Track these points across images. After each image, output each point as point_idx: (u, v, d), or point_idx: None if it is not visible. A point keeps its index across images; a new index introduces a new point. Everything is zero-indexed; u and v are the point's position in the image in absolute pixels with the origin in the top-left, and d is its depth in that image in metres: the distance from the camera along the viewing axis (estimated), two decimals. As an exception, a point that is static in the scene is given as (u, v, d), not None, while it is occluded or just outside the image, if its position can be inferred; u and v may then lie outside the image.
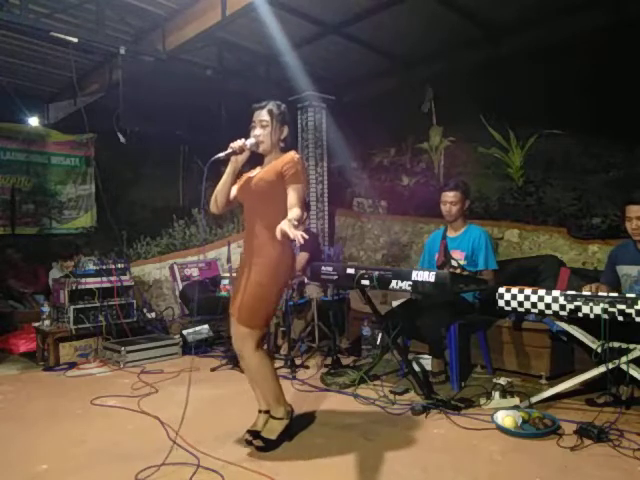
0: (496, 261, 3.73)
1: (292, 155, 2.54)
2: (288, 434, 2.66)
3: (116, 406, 3.33)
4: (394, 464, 2.42)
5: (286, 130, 2.62)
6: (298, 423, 2.83)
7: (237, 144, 2.52)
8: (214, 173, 2.66)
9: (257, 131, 2.57)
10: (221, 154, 2.50)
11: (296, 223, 2.25)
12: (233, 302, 2.61)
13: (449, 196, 3.76)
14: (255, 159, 2.69)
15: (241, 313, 2.52)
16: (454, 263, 3.63)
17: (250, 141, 2.55)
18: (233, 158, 2.57)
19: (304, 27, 5.35)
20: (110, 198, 6.77)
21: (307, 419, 2.97)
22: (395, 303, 4.04)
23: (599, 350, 2.82)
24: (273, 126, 2.56)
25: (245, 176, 2.67)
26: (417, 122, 6.61)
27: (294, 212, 2.35)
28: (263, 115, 2.56)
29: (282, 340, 4.48)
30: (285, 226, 2.16)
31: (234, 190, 2.66)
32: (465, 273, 3.33)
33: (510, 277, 4.02)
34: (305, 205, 2.60)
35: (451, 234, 3.84)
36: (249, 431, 2.64)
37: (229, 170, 2.59)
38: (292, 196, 2.44)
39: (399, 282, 3.03)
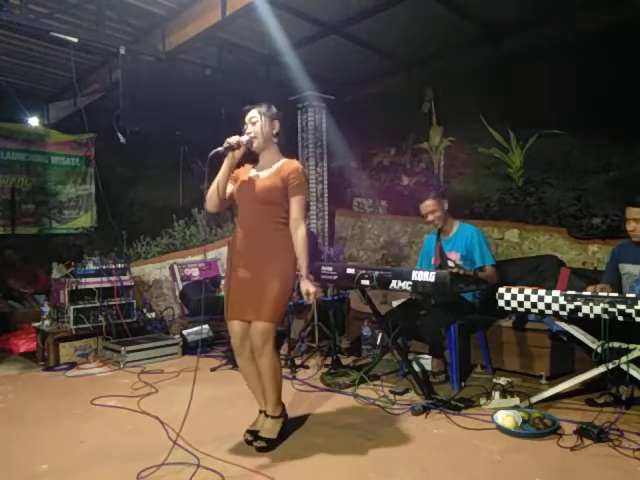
0: (492, 256, 3.71)
1: (297, 165, 2.66)
2: (284, 432, 2.67)
3: (116, 406, 3.33)
4: (394, 464, 2.42)
5: (277, 125, 2.69)
6: (298, 423, 2.84)
7: (234, 139, 2.58)
8: (214, 172, 2.67)
9: (249, 128, 2.65)
10: (220, 148, 2.56)
11: (310, 277, 2.65)
12: (243, 303, 2.58)
13: (426, 206, 3.72)
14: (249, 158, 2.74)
15: (265, 310, 2.52)
16: (450, 264, 3.64)
17: (245, 137, 2.63)
18: (230, 154, 2.61)
19: (304, 27, 5.35)
20: (110, 198, 6.76)
21: (307, 419, 2.97)
22: (395, 303, 4.05)
23: (599, 350, 2.83)
24: (263, 121, 2.64)
25: (240, 176, 2.70)
26: (417, 122, 6.60)
27: (299, 237, 2.59)
28: (252, 113, 2.66)
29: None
30: (311, 291, 2.59)
31: (229, 188, 2.69)
32: (463, 273, 3.33)
33: (510, 277, 4.03)
34: (305, 211, 2.70)
35: (444, 236, 3.83)
36: (249, 431, 2.65)
37: (226, 166, 2.63)
38: (295, 208, 2.61)
39: (399, 282, 3.03)
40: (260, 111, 2.65)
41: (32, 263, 6.74)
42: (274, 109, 2.69)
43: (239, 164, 2.70)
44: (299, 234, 2.59)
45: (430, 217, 3.75)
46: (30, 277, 6.41)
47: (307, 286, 2.58)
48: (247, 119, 2.66)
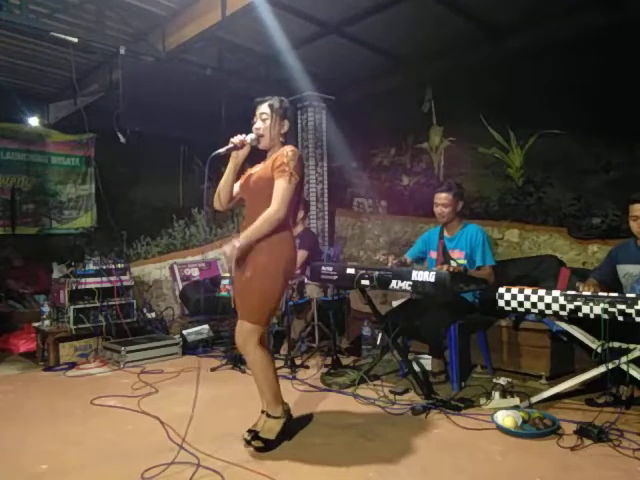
0: (494, 257, 3.71)
1: (285, 148, 2.53)
2: (287, 434, 2.66)
3: (116, 406, 3.33)
4: (394, 464, 2.42)
5: (287, 124, 2.61)
6: (298, 423, 2.83)
7: (237, 139, 2.54)
8: (215, 172, 2.66)
9: (257, 124, 2.59)
10: (221, 149, 2.51)
11: (240, 244, 2.37)
12: (236, 300, 2.62)
13: (440, 198, 3.72)
14: (258, 156, 2.70)
15: (244, 309, 2.52)
16: (453, 264, 3.63)
17: (250, 136, 2.57)
18: (234, 154, 2.58)
19: (304, 27, 5.34)
20: (110, 198, 6.76)
21: (307, 419, 2.97)
22: (395, 303, 4.05)
23: (599, 350, 2.83)
24: (273, 119, 2.57)
25: (247, 173, 2.68)
26: (417, 122, 6.61)
27: (263, 215, 2.42)
28: (264, 108, 2.58)
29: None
30: (226, 248, 2.36)
31: (237, 187, 2.67)
32: (465, 272, 3.34)
33: (510, 277, 4.03)
34: (291, 201, 2.48)
35: (448, 234, 3.83)
36: (249, 431, 2.64)
37: (230, 166, 2.60)
38: (274, 192, 2.45)
39: (399, 282, 3.03)
40: (272, 106, 2.56)
41: (32, 263, 6.74)
42: (286, 104, 2.61)
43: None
44: (265, 213, 2.41)
45: (439, 209, 3.74)
46: (30, 277, 6.41)
47: (226, 245, 2.40)
48: (257, 114, 2.59)
